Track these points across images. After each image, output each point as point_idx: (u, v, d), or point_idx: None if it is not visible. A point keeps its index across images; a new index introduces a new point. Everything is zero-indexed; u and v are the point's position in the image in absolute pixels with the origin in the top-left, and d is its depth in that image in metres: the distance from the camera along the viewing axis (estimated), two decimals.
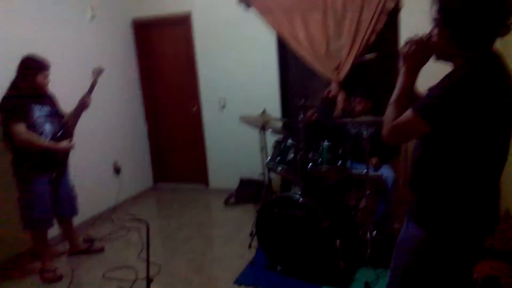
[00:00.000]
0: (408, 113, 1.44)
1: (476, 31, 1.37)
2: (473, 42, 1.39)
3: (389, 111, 1.54)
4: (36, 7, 3.80)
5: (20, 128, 3.02)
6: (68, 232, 3.65)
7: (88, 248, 3.75)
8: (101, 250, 3.77)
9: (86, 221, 4.31)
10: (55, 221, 3.41)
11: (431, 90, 1.43)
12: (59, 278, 3.30)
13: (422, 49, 1.50)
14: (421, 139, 1.54)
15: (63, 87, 3.66)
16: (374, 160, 3.51)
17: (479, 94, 1.34)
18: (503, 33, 1.39)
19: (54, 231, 3.54)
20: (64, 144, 3.24)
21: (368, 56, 1.76)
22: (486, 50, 1.41)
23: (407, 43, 1.54)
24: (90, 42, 4.45)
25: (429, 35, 1.50)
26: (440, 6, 1.40)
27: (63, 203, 3.45)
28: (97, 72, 3.47)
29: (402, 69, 1.57)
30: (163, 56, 5.25)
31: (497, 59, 1.42)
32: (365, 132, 3.17)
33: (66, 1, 4.12)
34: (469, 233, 1.49)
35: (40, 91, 3.19)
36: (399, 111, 1.49)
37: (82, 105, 3.37)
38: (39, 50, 3.29)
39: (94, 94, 3.45)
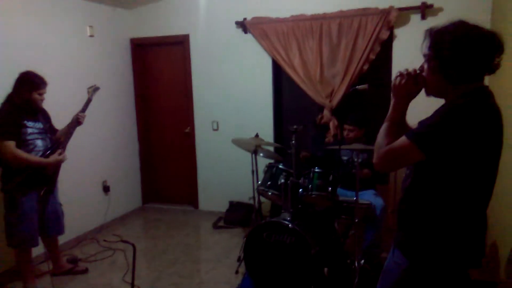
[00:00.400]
0: (402, 139, 1.46)
1: (466, 70, 1.40)
2: (463, 78, 1.42)
3: (380, 138, 1.56)
4: (36, 24, 3.83)
5: (9, 145, 2.99)
6: (52, 251, 3.57)
7: (72, 269, 3.66)
8: (85, 271, 3.68)
9: (72, 240, 4.24)
10: (40, 240, 3.35)
11: (424, 120, 1.45)
12: None
13: (412, 83, 1.53)
14: (412, 170, 1.56)
15: (59, 103, 3.69)
16: (365, 170, 3.50)
17: (471, 125, 1.36)
18: (492, 69, 1.42)
19: (37, 250, 3.46)
20: (54, 157, 3.20)
21: (360, 87, 1.80)
22: (477, 86, 1.44)
23: (397, 76, 1.57)
24: (88, 60, 4.48)
25: (420, 69, 1.54)
26: (431, 42, 1.44)
27: (50, 221, 3.38)
28: (93, 90, 3.48)
29: (392, 101, 1.60)
30: (159, 76, 5.29)
31: (487, 95, 1.45)
32: (356, 159, 3.19)
33: (65, 19, 4.16)
34: (453, 265, 1.49)
35: (34, 107, 3.19)
36: (390, 139, 1.51)
37: (76, 122, 3.36)
38: (38, 66, 3.30)
39: (88, 112, 3.45)
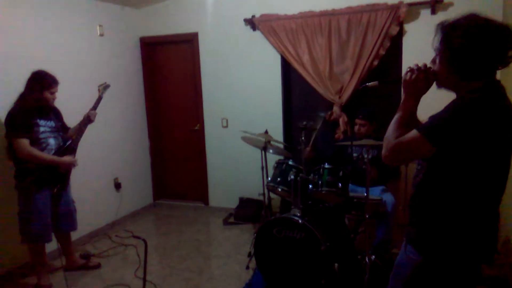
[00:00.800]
0: (412, 133, 1.46)
1: (478, 63, 1.39)
2: (474, 73, 1.42)
3: (390, 131, 1.56)
4: (47, 24, 3.88)
5: (23, 143, 3.05)
6: (65, 247, 3.63)
7: (85, 264, 3.72)
8: (98, 266, 3.74)
9: (84, 236, 4.30)
10: (53, 236, 3.40)
11: (435, 115, 1.45)
12: None
13: (423, 77, 1.53)
14: (423, 165, 1.55)
15: (70, 101, 3.74)
16: (372, 172, 3.48)
17: (482, 120, 1.36)
18: (503, 65, 1.42)
19: (51, 246, 3.52)
20: (67, 158, 3.26)
21: (370, 84, 1.79)
22: (488, 80, 1.44)
23: (408, 71, 1.57)
24: (98, 59, 4.53)
25: (431, 63, 1.54)
26: (443, 37, 1.44)
27: (63, 218, 3.44)
28: (103, 88, 3.52)
29: (403, 96, 1.60)
30: (169, 74, 5.32)
31: (498, 89, 1.44)
32: (365, 156, 3.18)
33: (76, 18, 4.21)
34: (466, 260, 1.49)
35: (46, 105, 3.23)
36: (401, 132, 1.51)
37: (87, 120, 3.41)
38: (49, 65, 3.35)
39: (99, 110, 3.50)
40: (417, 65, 1.55)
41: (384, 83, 1.77)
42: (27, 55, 3.63)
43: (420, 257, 1.52)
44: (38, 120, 3.18)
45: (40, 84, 3.14)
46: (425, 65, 1.54)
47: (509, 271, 2.92)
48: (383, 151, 1.57)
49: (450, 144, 1.40)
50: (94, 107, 3.45)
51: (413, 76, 1.54)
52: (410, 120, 1.58)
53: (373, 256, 3.25)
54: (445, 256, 1.48)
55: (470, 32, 1.37)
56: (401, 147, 1.50)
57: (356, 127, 3.74)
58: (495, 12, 3.64)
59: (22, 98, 3.15)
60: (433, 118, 1.45)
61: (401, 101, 1.61)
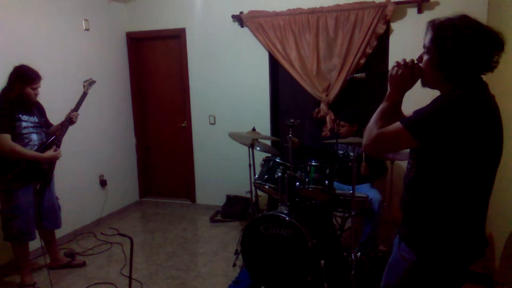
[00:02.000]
0: (395, 124, 1.47)
1: (466, 65, 1.40)
2: (460, 75, 1.43)
3: (373, 121, 1.58)
4: (32, 18, 3.81)
5: (5, 138, 2.99)
6: (49, 245, 3.58)
7: (69, 263, 3.67)
8: (83, 264, 3.69)
9: (69, 234, 4.25)
10: (37, 234, 3.35)
11: (420, 109, 1.46)
12: None
13: (409, 73, 1.54)
14: (413, 164, 1.56)
15: (54, 98, 3.68)
16: (363, 165, 3.51)
17: (465, 117, 1.37)
18: (490, 68, 1.43)
19: (35, 244, 3.47)
20: (49, 153, 3.20)
21: (358, 75, 1.81)
22: (473, 80, 1.45)
23: (395, 65, 1.58)
24: (84, 54, 4.46)
25: (417, 60, 1.54)
26: (433, 36, 1.44)
27: (46, 215, 3.39)
28: (88, 84, 3.46)
29: (388, 90, 1.61)
30: (156, 70, 5.27)
31: (483, 86, 1.46)
32: (351, 154, 3.20)
33: (61, 12, 4.14)
34: (461, 257, 1.51)
35: (28, 101, 3.17)
36: (383, 123, 1.53)
37: (69, 121, 3.32)
38: (33, 60, 3.27)
39: (84, 106, 3.42)
40: (404, 60, 1.55)
41: (371, 75, 1.80)
42: (10, 49, 3.55)
43: (414, 256, 1.53)
44: (20, 115, 3.12)
45: (22, 79, 3.07)
46: (412, 61, 1.54)
47: (493, 267, 2.97)
48: (364, 141, 1.58)
49: (433, 139, 1.41)
50: (76, 108, 3.32)
51: (400, 71, 1.55)
52: (393, 113, 1.59)
53: (359, 253, 3.28)
54: (440, 254, 1.49)
55: (461, 35, 1.37)
56: (383, 138, 1.51)
57: (341, 128, 3.75)
58: (480, 11, 3.69)
59: (3, 93, 3.09)
60: (417, 113, 1.46)
61: (387, 93, 1.62)
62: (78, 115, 3.36)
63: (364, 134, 1.59)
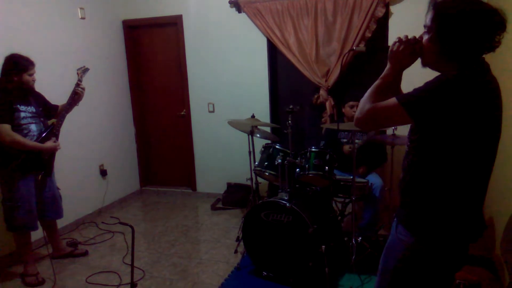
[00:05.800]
0: (391, 100, 1.45)
1: (467, 44, 1.38)
2: (461, 54, 1.41)
3: (367, 95, 1.56)
4: (27, 7, 3.76)
5: (6, 128, 2.98)
6: (51, 235, 3.59)
7: (72, 252, 3.70)
8: (85, 253, 3.71)
9: (71, 224, 4.26)
10: (39, 224, 3.36)
11: (418, 87, 1.44)
12: (41, 282, 3.24)
13: (410, 50, 1.52)
14: (411, 147, 1.55)
15: (50, 86, 3.65)
16: (361, 169, 3.54)
17: (463, 97, 1.35)
18: (491, 48, 1.40)
19: (37, 234, 3.48)
20: (49, 144, 3.19)
21: (358, 48, 1.78)
22: (474, 61, 1.43)
23: (396, 41, 1.56)
24: (80, 43, 4.42)
25: (419, 39, 1.52)
26: (434, 14, 1.42)
27: (48, 205, 3.39)
28: (82, 71, 3.42)
29: (387, 66, 1.59)
30: (153, 58, 5.22)
31: (484, 67, 1.44)
32: (357, 141, 3.17)
33: (56, 1, 4.08)
34: (458, 239, 1.50)
35: (26, 90, 3.15)
36: (378, 98, 1.51)
37: (74, 95, 3.29)
38: (29, 50, 3.25)
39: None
40: (406, 36, 1.53)
41: (371, 49, 1.76)
42: (5, 38, 3.51)
43: (412, 239, 1.52)
44: (18, 106, 3.10)
45: (16, 67, 3.04)
46: (414, 38, 1.52)
47: (494, 250, 2.98)
48: (357, 113, 1.56)
49: (427, 118, 1.39)
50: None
51: (401, 47, 1.52)
52: (388, 89, 1.57)
53: (360, 238, 3.29)
54: (437, 236, 1.48)
55: (464, 12, 1.35)
56: (376, 112, 1.50)
57: (350, 111, 3.68)
58: None
59: (0, 84, 3.06)
60: (414, 90, 1.44)
61: (385, 69, 1.60)
62: (84, 88, 3.31)
63: (358, 106, 1.57)
